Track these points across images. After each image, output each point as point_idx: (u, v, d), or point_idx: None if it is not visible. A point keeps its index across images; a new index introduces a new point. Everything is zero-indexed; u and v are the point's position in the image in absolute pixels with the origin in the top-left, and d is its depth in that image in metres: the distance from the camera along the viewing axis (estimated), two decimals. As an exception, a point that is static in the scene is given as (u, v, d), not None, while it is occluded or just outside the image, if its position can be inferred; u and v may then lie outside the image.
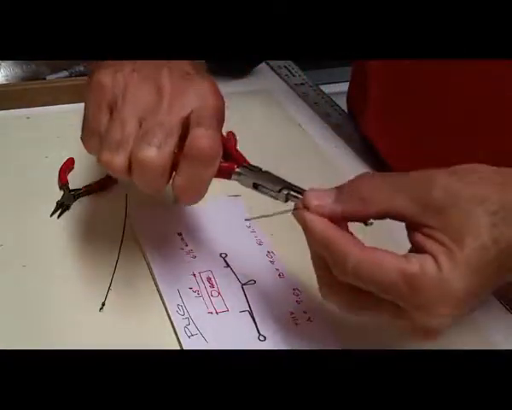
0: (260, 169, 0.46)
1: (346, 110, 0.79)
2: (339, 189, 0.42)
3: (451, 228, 0.38)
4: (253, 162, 0.49)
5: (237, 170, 0.46)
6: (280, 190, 0.44)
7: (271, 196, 0.45)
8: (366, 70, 0.70)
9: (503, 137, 0.56)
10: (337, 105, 0.79)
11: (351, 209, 0.41)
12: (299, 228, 0.55)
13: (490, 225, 0.38)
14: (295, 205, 0.43)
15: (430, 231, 0.38)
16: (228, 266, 0.52)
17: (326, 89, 0.83)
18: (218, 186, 0.62)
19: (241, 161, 0.47)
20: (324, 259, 0.41)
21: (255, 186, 0.45)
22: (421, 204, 0.39)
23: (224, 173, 0.46)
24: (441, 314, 0.38)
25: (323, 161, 0.68)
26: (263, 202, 0.59)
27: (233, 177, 0.46)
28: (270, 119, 0.75)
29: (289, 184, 0.45)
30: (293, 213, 0.43)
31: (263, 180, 0.45)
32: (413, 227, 0.39)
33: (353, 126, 0.75)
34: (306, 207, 0.41)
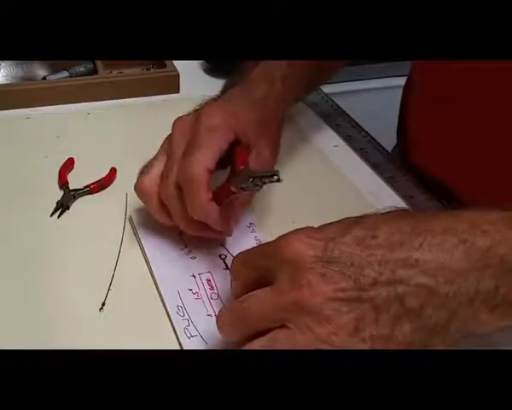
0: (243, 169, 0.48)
1: (345, 110, 0.79)
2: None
3: None
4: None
5: (233, 189, 0.48)
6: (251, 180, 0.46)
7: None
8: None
9: None
10: (337, 105, 0.79)
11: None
12: (298, 226, 0.55)
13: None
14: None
15: None
16: (227, 267, 0.52)
17: (326, 89, 0.83)
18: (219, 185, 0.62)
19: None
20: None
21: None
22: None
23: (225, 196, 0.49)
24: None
25: (323, 161, 0.68)
26: (263, 203, 0.59)
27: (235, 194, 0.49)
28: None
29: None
30: None
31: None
32: None
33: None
34: None
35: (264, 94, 0.54)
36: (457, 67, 0.60)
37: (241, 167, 0.48)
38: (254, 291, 0.39)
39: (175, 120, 0.51)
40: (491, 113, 0.61)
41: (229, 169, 0.51)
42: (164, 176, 0.49)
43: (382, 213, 0.41)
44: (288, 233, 0.39)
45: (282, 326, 0.38)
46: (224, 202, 0.49)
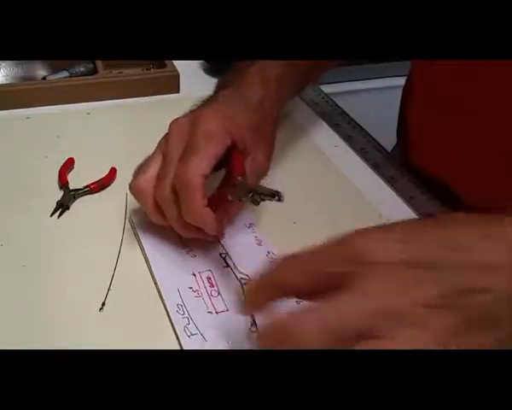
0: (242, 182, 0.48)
1: (345, 110, 0.79)
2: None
3: None
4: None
5: (230, 198, 0.49)
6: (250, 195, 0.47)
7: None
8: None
9: None
10: (337, 105, 0.79)
11: None
12: (298, 227, 0.55)
13: None
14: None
15: None
16: (228, 265, 0.52)
17: (326, 89, 0.83)
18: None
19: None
20: None
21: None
22: None
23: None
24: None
25: (323, 161, 0.68)
26: (263, 203, 0.59)
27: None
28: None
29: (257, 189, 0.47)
30: None
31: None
32: None
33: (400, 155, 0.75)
34: None
35: (260, 97, 0.55)
36: (457, 66, 0.61)
37: (239, 178, 0.48)
38: (331, 298, 0.36)
39: (172, 122, 0.51)
40: (490, 112, 0.61)
41: (223, 171, 0.51)
42: (160, 178, 0.49)
43: (443, 216, 0.39)
44: (353, 234, 0.37)
45: (366, 335, 0.35)
46: (219, 209, 0.50)
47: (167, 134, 0.51)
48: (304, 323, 0.36)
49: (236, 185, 0.47)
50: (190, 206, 0.47)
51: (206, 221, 0.48)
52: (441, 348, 0.35)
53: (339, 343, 0.35)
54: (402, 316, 0.34)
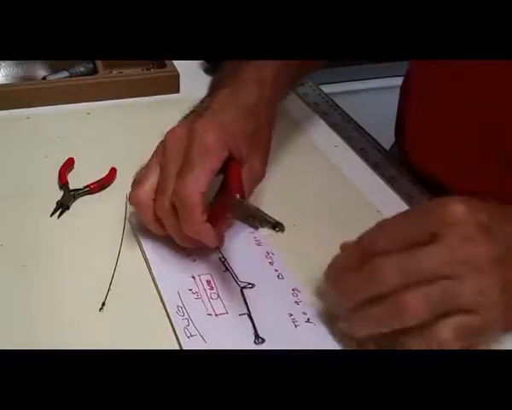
0: (242, 202, 0.48)
1: (345, 110, 0.79)
2: None
3: None
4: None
5: (230, 216, 0.49)
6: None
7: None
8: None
9: None
10: (337, 105, 0.79)
11: None
12: (298, 227, 0.55)
13: None
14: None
15: None
16: (227, 269, 0.52)
17: (326, 89, 0.83)
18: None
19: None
20: None
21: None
22: None
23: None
24: None
25: (323, 161, 0.68)
26: (263, 204, 0.59)
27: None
28: (270, 119, 0.75)
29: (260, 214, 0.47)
30: None
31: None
32: None
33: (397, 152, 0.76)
34: None
35: (255, 99, 0.55)
36: (455, 66, 0.60)
37: (238, 197, 0.48)
38: (422, 247, 0.42)
39: (168, 132, 0.51)
40: (487, 112, 0.61)
41: (221, 177, 0.51)
42: (159, 193, 0.50)
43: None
44: (440, 200, 0.45)
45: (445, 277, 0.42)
46: (218, 221, 0.50)
47: (164, 143, 0.51)
48: (383, 265, 0.43)
49: (235, 205, 0.47)
50: (189, 222, 0.48)
51: (206, 237, 0.49)
52: (498, 294, 0.42)
53: (415, 285, 0.42)
54: (474, 264, 0.42)
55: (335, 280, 0.46)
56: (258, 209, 0.47)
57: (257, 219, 0.46)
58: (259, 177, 0.54)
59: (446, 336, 0.42)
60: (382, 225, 0.45)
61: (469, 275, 0.42)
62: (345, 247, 0.46)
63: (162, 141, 0.51)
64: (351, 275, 0.44)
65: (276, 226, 0.45)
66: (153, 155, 0.52)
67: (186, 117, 0.54)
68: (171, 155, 0.50)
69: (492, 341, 0.45)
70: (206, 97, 0.57)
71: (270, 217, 0.46)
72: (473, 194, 0.49)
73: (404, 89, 0.77)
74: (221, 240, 0.52)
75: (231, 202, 0.48)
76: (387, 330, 0.43)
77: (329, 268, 0.46)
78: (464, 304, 0.42)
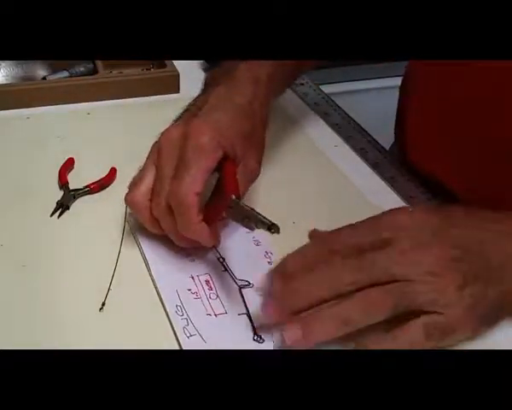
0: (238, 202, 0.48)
1: (345, 110, 0.79)
2: None
3: None
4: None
5: (225, 216, 0.49)
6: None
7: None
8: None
9: None
10: (337, 105, 0.79)
11: None
12: (298, 227, 0.55)
13: None
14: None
15: None
16: (226, 270, 0.52)
17: (326, 89, 0.83)
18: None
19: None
20: None
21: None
22: None
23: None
24: None
25: (323, 161, 0.68)
26: (263, 203, 0.59)
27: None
28: (270, 119, 0.75)
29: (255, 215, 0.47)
30: None
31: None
32: None
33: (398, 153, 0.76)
34: None
35: (249, 98, 0.54)
36: (455, 66, 0.61)
37: (234, 198, 0.47)
38: (375, 251, 0.44)
39: (162, 133, 0.51)
40: (487, 112, 0.61)
41: (216, 175, 0.51)
42: (155, 194, 0.50)
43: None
44: (392, 210, 0.47)
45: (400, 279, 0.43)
46: (214, 220, 0.50)
47: (158, 144, 0.51)
48: (341, 265, 0.44)
49: (231, 205, 0.47)
50: (186, 223, 0.48)
51: (202, 236, 0.49)
52: (454, 291, 0.43)
53: (369, 282, 0.43)
54: (428, 266, 0.43)
55: (288, 279, 0.45)
56: (253, 210, 0.46)
57: (252, 220, 0.46)
58: (255, 175, 0.54)
59: (417, 335, 0.43)
60: (339, 232, 0.47)
61: (422, 276, 0.43)
62: (296, 253, 0.47)
63: (156, 142, 0.51)
64: (307, 275, 0.45)
65: (272, 228, 0.45)
66: (148, 156, 0.52)
67: (180, 116, 0.54)
68: (167, 156, 0.50)
69: (472, 339, 0.46)
70: (200, 95, 0.57)
71: (266, 218, 0.46)
72: (472, 194, 0.50)
73: (403, 89, 0.77)
74: (217, 239, 0.52)
75: (227, 203, 0.48)
76: (350, 330, 0.43)
77: (280, 267, 0.46)
78: (421, 304, 0.43)
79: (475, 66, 0.58)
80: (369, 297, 0.43)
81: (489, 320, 0.46)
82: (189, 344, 0.45)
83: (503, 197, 0.58)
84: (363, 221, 0.47)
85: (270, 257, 0.54)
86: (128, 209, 0.57)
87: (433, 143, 0.68)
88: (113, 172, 0.62)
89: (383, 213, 0.47)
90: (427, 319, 0.43)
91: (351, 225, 0.47)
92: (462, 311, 0.43)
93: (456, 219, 0.47)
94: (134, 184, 0.52)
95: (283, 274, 0.45)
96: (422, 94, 0.70)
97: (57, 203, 0.58)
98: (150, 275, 0.51)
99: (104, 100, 0.74)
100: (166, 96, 0.77)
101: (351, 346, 0.44)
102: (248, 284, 0.51)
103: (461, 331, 0.44)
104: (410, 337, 0.43)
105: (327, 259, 0.45)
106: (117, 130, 0.70)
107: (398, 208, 0.48)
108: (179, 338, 0.46)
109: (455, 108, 0.64)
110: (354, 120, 0.76)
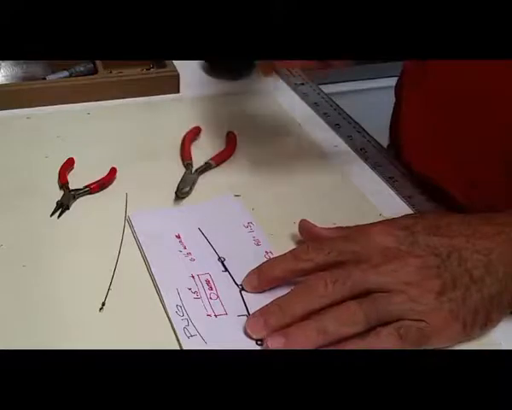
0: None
1: (345, 110, 0.79)
2: None
3: None
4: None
5: None
6: None
7: None
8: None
9: None
10: (337, 105, 0.79)
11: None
12: (298, 226, 0.55)
13: None
14: None
15: None
16: (226, 270, 0.52)
17: (326, 89, 0.83)
18: (218, 186, 0.62)
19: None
20: None
21: None
22: None
23: None
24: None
25: (323, 161, 0.68)
26: (263, 203, 0.59)
27: None
28: (271, 119, 0.75)
29: None
30: None
31: None
32: None
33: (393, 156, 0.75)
34: None
35: None
36: (454, 66, 0.60)
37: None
38: (352, 267, 0.46)
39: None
40: (484, 113, 0.60)
41: None
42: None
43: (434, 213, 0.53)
44: (369, 226, 0.49)
45: (377, 292, 0.45)
46: None
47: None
48: (318, 277, 0.46)
49: None
50: None
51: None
52: (432, 298, 0.44)
53: (349, 296, 0.45)
54: (404, 276, 0.45)
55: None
56: None
57: None
58: None
59: (394, 342, 0.43)
60: (312, 245, 0.49)
61: (398, 286, 0.44)
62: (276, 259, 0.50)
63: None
64: (286, 295, 0.47)
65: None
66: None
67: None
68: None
69: (468, 341, 0.46)
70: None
71: None
72: (468, 196, 0.50)
73: (397, 89, 0.77)
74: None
75: None
76: (329, 340, 0.44)
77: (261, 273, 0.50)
78: (399, 315, 0.44)
79: (470, 67, 0.58)
80: (343, 309, 0.44)
81: (473, 324, 0.45)
82: (189, 344, 0.45)
83: (498, 199, 0.58)
84: (343, 233, 0.50)
85: (270, 257, 0.54)
86: (128, 208, 0.57)
87: (428, 145, 0.68)
88: (113, 172, 0.62)
89: (356, 229, 0.50)
90: (400, 324, 0.44)
91: (330, 239, 0.50)
92: (441, 316, 0.44)
93: (433, 226, 0.48)
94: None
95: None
96: (417, 96, 0.70)
97: (57, 203, 0.58)
98: (150, 275, 0.51)
99: (104, 100, 0.74)
100: (166, 96, 0.77)
101: None
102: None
103: (442, 335, 0.44)
104: (387, 345, 0.43)
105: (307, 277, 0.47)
106: (117, 130, 0.70)
107: (374, 225, 0.49)
108: (179, 338, 0.46)
109: (449, 109, 0.64)
110: (354, 120, 0.76)
